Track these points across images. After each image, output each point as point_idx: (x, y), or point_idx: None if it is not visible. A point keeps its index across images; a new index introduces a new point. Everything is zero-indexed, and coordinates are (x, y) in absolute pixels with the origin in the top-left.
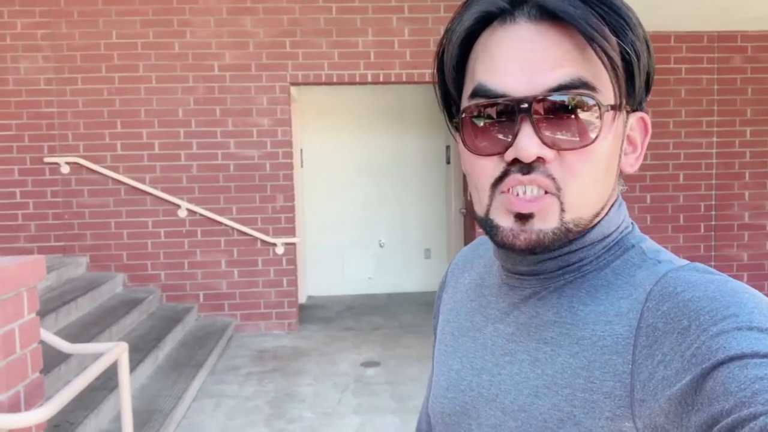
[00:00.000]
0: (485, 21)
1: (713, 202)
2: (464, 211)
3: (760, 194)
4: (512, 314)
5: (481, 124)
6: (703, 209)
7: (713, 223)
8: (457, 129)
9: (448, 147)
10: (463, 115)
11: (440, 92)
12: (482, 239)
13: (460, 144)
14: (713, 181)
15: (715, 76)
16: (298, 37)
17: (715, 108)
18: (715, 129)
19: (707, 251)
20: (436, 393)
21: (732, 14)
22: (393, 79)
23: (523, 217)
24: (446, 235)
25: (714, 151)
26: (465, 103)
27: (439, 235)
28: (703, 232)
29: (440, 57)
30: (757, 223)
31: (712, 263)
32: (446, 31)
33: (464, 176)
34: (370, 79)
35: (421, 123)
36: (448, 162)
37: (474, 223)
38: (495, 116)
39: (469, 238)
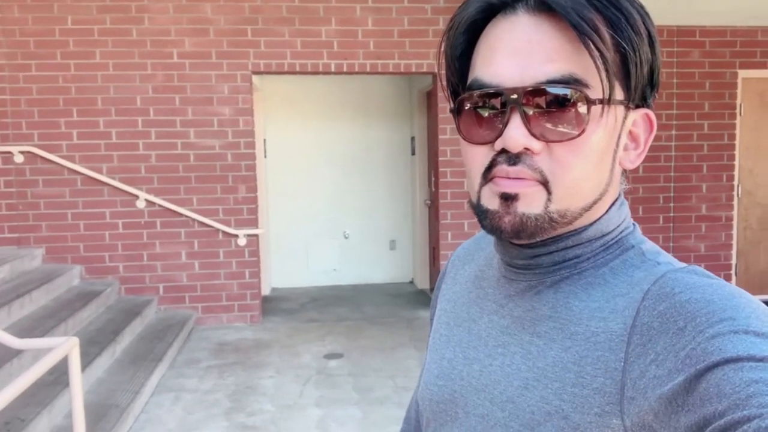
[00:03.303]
0: (488, 12)
1: (672, 194)
2: (429, 202)
3: (717, 186)
4: (507, 307)
5: (475, 113)
6: (662, 201)
7: (672, 214)
8: (454, 116)
9: (413, 138)
10: (461, 104)
11: (445, 79)
12: (485, 233)
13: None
14: (672, 174)
15: (675, 70)
16: (260, 25)
17: (674, 102)
18: (674, 122)
19: (666, 242)
20: (426, 380)
21: (690, 8)
22: (357, 69)
23: (508, 198)
24: (411, 227)
25: (673, 144)
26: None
27: (405, 226)
28: (662, 224)
29: (445, 45)
30: (714, 215)
31: (670, 254)
32: (451, 20)
33: (429, 167)
34: (333, 68)
35: (387, 114)
36: (413, 153)
37: (439, 214)
38: (488, 106)
39: (433, 229)
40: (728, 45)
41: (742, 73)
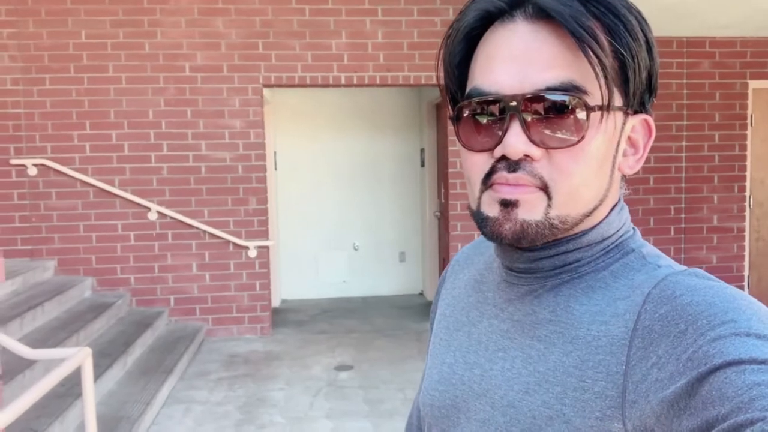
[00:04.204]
0: (486, 20)
1: (683, 205)
2: (438, 214)
3: (728, 197)
4: (507, 310)
5: (474, 120)
6: (673, 212)
7: (683, 225)
8: (454, 123)
9: (422, 150)
10: (460, 112)
11: (444, 86)
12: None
13: (456, 138)
14: (683, 185)
15: (684, 81)
16: (271, 38)
17: (685, 112)
18: (685, 133)
19: (677, 254)
20: (427, 386)
21: (700, 19)
22: (366, 82)
23: (508, 205)
24: (421, 239)
25: (683, 154)
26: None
27: (414, 238)
28: (673, 235)
29: (444, 53)
30: (725, 226)
31: (681, 265)
32: (449, 28)
33: (438, 179)
34: (343, 81)
35: (396, 125)
36: (423, 165)
37: (448, 226)
38: (487, 113)
39: (443, 241)
40: (738, 56)
41: (753, 84)
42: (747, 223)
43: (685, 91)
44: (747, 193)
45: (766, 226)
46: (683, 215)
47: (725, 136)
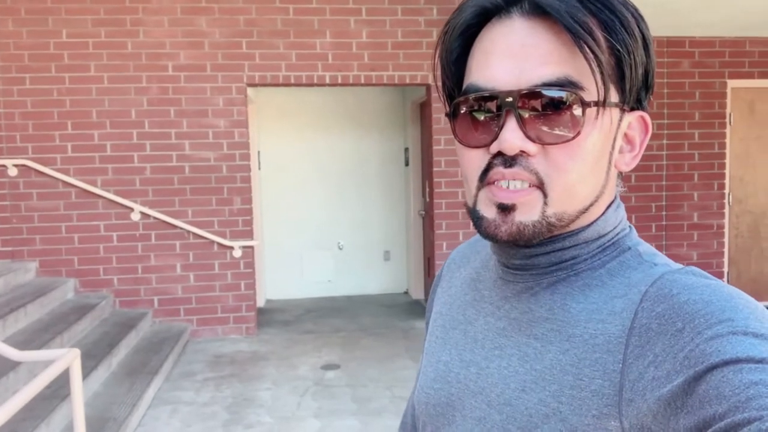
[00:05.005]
0: (483, 16)
1: (664, 203)
2: (423, 213)
3: (708, 195)
4: (504, 308)
5: (471, 116)
6: (654, 210)
7: (664, 223)
8: (450, 120)
9: (406, 149)
10: (457, 108)
11: (441, 83)
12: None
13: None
14: (663, 183)
15: (665, 80)
16: (255, 37)
17: (665, 111)
18: (665, 132)
19: (658, 250)
20: (423, 384)
21: (680, 19)
22: (351, 81)
23: (505, 209)
24: (405, 237)
25: (664, 153)
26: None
27: (399, 237)
28: (655, 232)
29: (440, 50)
30: (705, 223)
31: None
32: (446, 25)
33: (423, 178)
34: (328, 80)
35: (380, 125)
36: (407, 164)
37: (433, 225)
38: (483, 109)
39: (428, 239)
40: (717, 55)
41: (731, 83)
42: (726, 220)
43: (665, 90)
44: (726, 191)
45: (744, 223)
46: (664, 212)
47: (705, 134)
